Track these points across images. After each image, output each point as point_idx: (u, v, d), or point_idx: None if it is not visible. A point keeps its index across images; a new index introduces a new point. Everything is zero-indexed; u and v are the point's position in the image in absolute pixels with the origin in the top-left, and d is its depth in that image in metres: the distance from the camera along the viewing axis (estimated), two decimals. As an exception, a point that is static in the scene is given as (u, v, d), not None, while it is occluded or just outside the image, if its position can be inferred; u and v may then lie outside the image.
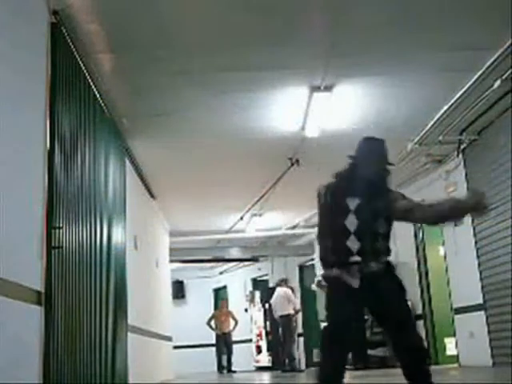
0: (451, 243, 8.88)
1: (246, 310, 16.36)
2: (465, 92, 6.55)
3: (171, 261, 13.17)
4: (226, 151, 8.05)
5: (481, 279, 7.96)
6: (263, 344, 15.53)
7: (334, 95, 6.40)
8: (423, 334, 9.84)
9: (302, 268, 14.87)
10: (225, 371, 15.28)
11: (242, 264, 16.79)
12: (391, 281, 3.56)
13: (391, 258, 3.63)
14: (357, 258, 3.39)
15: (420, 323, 9.95)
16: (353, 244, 3.40)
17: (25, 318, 3.69)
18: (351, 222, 3.42)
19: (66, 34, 4.64)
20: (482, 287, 7.93)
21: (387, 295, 3.48)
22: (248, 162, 8.50)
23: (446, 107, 6.98)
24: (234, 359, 15.33)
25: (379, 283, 3.44)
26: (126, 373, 6.64)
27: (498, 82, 6.20)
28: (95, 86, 5.62)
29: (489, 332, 7.82)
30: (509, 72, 6.02)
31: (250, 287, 17.00)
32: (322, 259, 3.57)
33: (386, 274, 3.52)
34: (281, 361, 12.84)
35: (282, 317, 12.36)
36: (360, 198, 3.47)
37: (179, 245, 13.15)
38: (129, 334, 6.91)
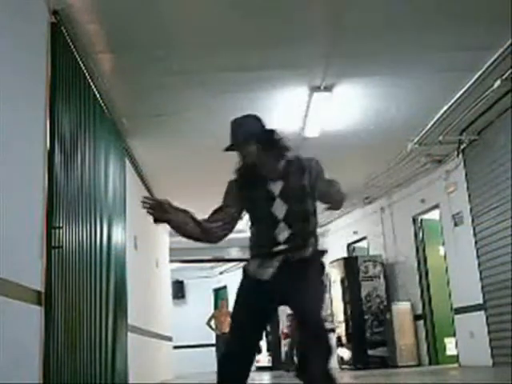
0: (451, 243, 8.89)
1: (246, 310, 16.34)
2: (465, 92, 6.55)
3: (171, 261, 13.18)
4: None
5: (481, 279, 7.96)
6: (263, 344, 15.53)
7: (334, 95, 6.41)
8: (423, 334, 9.86)
9: (301, 268, 14.86)
10: (225, 371, 15.26)
11: (241, 264, 16.78)
12: (311, 268, 3.02)
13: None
14: (282, 247, 2.95)
15: (420, 323, 9.97)
16: (281, 232, 2.96)
17: (25, 318, 3.68)
18: (279, 208, 2.98)
19: (66, 33, 4.64)
20: (482, 287, 7.93)
21: (298, 282, 2.93)
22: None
23: (445, 107, 6.99)
24: (234, 359, 15.31)
25: (298, 268, 2.95)
26: (126, 373, 6.64)
27: (497, 82, 6.21)
28: (95, 86, 5.62)
29: (489, 332, 7.82)
30: (509, 72, 6.02)
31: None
32: (249, 249, 3.13)
33: (311, 260, 3.03)
34: (284, 360, 12.83)
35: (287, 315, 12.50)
36: (282, 179, 3.02)
37: (179, 245, 13.13)
38: (129, 333, 6.91)
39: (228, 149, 3.17)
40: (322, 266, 3.10)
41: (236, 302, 3.05)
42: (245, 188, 3.08)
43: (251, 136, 3.09)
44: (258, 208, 3.05)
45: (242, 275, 3.10)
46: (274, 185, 3.02)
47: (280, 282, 2.93)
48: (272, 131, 3.14)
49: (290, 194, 3.01)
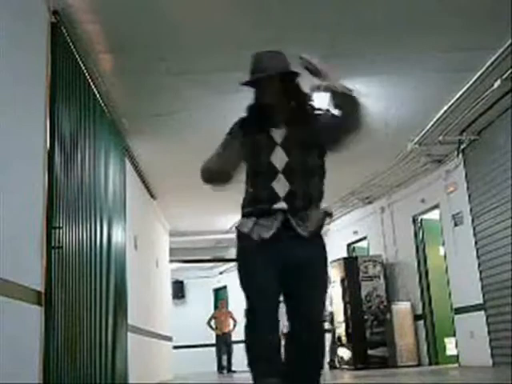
0: (451, 243, 8.89)
1: (246, 310, 16.34)
2: (465, 92, 6.55)
3: (171, 261, 13.17)
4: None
5: (481, 279, 7.96)
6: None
7: (334, 95, 6.40)
8: (423, 334, 9.86)
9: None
10: (225, 371, 15.29)
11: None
12: (318, 248, 2.69)
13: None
14: (282, 205, 2.60)
15: (420, 323, 9.97)
16: (280, 186, 2.62)
17: (25, 318, 3.68)
18: (278, 158, 2.64)
19: (66, 33, 4.64)
20: (482, 287, 7.94)
21: (306, 264, 2.61)
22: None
23: (445, 107, 6.99)
24: (233, 359, 15.32)
25: (302, 243, 2.61)
26: (126, 373, 6.64)
27: (497, 82, 6.21)
28: (95, 86, 5.62)
29: (489, 332, 7.82)
30: (509, 72, 6.02)
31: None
32: (242, 208, 2.79)
33: (318, 238, 2.69)
34: None
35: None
36: (286, 126, 2.72)
37: (179, 245, 13.15)
38: (129, 333, 6.91)
39: (248, 83, 2.76)
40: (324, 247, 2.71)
41: (244, 270, 2.65)
42: (247, 130, 2.76)
43: (281, 73, 2.73)
44: (256, 155, 2.71)
45: (236, 240, 2.72)
46: (278, 131, 2.70)
47: (281, 250, 2.59)
48: (297, 74, 2.76)
49: (293, 144, 2.67)
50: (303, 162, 2.66)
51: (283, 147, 2.66)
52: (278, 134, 2.69)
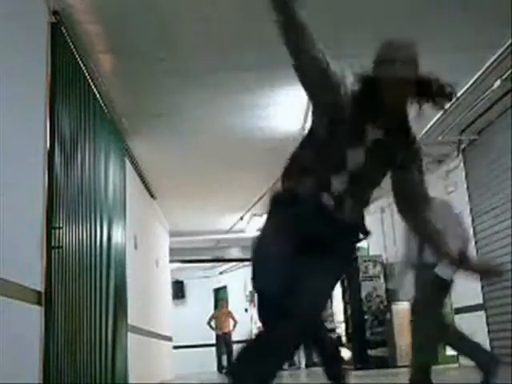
0: (451, 243, 8.87)
1: (246, 310, 16.36)
2: (465, 92, 6.55)
3: (171, 261, 13.18)
4: (226, 151, 8.05)
5: (481, 279, 7.96)
6: (263, 344, 15.52)
7: (334, 95, 6.40)
8: (423, 334, 9.84)
9: (301, 268, 14.84)
10: (225, 371, 15.29)
11: (242, 264, 16.80)
12: None
13: None
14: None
15: (420, 323, 9.95)
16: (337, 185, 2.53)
17: (25, 318, 3.68)
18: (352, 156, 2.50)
19: (66, 33, 4.64)
20: (482, 287, 7.93)
21: None
22: (248, 161, 8.50)
23: (445, 107, 6.98)
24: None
25: None
26: (126, 373, 6.64)
27: (497, 82, 6.21)
28: (95, 86, 5.62)
29: (489, 332, 7.82)
30: (509, 72, 6.02)
31: (250, 287, 17.00)
32: None
33: None
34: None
35: None
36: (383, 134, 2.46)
37: (179, 245, 13.15)
38: (129, 333, 6.91)
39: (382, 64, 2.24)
40: None
41: None
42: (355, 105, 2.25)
43: (418, 76, 2.18)
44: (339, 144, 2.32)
45: None
46: (373, 131, 2.27)
47: None
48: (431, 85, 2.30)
49: (373, 155, 2.32)
50: (365, 177, 2.34)
51: (362, 150, 2.28)
52: (371, 134, 2.28)
